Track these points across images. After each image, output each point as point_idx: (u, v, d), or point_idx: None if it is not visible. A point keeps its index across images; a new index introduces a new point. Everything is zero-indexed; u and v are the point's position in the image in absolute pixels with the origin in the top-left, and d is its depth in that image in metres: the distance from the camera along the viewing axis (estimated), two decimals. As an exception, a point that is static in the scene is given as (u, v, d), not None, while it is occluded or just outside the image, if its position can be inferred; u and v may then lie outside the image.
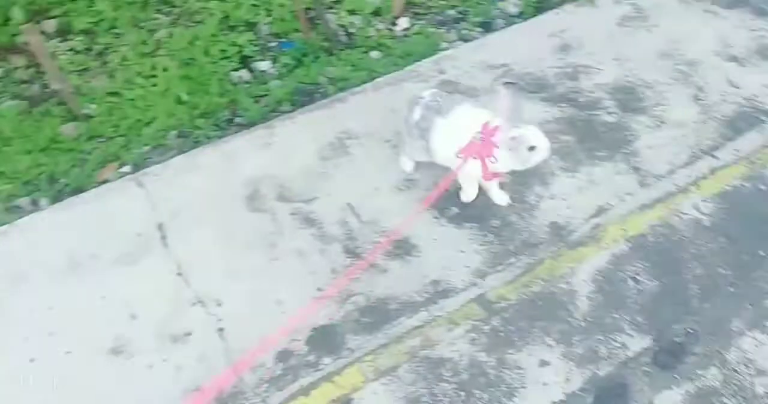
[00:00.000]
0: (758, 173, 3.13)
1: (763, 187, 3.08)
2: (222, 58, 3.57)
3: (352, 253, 2.73)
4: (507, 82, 2.48)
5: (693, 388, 2.46)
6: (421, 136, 2.66)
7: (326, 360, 2.45)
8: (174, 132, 3.23)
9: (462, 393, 2.40)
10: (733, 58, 3.61)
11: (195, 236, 2.71)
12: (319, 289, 2.61)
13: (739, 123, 3.32)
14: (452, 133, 2.59)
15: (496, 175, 2.70)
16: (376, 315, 2.57)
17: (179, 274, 2.60)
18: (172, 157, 3.03)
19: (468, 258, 2.76)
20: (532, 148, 2.45)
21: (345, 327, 2.53)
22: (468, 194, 2.88)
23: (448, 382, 2.42)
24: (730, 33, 3.74)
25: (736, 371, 2.52)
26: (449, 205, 2.92)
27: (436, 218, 2.88)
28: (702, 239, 2.88)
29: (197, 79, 3.43)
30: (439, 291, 2.65)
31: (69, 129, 3.18)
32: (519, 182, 3.02)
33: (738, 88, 3.49)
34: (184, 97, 3.35)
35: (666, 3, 3.88)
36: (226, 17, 3.74)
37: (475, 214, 2.90)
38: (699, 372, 2.50)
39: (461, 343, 2.52)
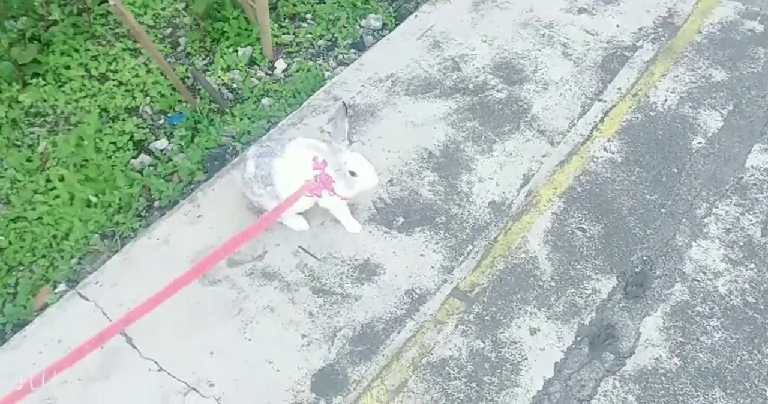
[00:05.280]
0: (643, 103, 3.43)
1: (652, 113, 3.38)
2: (116, 151, 3.48)
3: (322, 291, 2.73)
4: (343, 103, 2.53)
5: (668, 308, 2.65)
6: (265, 183, 2.64)
7: (337, 399, 2.43)
8: (96, 236, 3.10)
9: (473, 384, 2.45)
10: (583, 10, 3.96)
11: (162, 328, 2.61)
12: (303, 336, 2.59)
13: (610, 64, 3.64)
14: (294, 169, 2.60)
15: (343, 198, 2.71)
16: (368, 340, 2.58)
17: (160, 370, 2.50)
18: (104, 261, 2.91)
19: (430, 259, 2.84)
20: (353, 173, 2.51)
21: (342, 362, 2.52)
22: (298, 225, 2.94)
23: (458, 379, 2.47)
24: (571, -9, 4.11)
25: (697, 280, 2.74)
26: (394, 217, 2.99)
27: (386, 232, 2.94)
28: (621, 175, 3.12)
29: (99, 178, 3.32)
30: (416, 298, 2.71)
31: (-17, 269, 2.98)
32: (446, 175, 3.15)
33: (596, 34, 3.83)
34: (93, 199, 3.23)
35: (507, -20, 4.20)
36: (105, 110, 3.65)
37: (420, 218, 2.99)
38: (666, 291, 2.70)
39: (455, 339, 2.58)
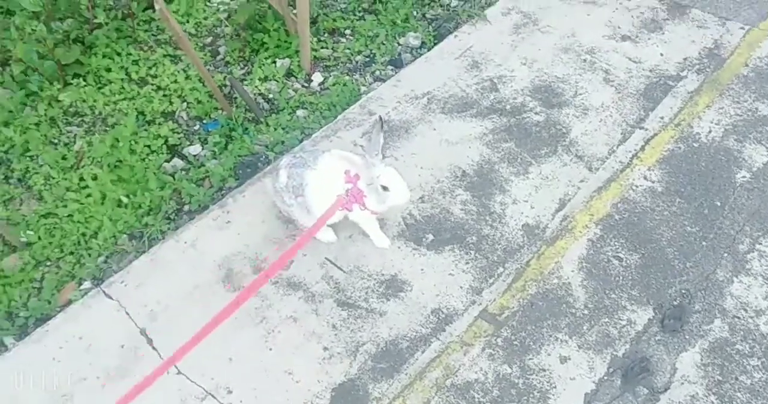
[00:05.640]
0: (686, 133, 3.35)
1: (695, 144, 3.29)
2: (150, 153, 3.50)
3: (346, 304, 2.67)
4: (379, 117, 2.50)
5: (706, 344, 2.53)
6: (296, 194, 2.62)
7: (357, 418, 2.35)
8: (125, 236, 3.10)
9: (500, 412, 2.36)
10: (626, 38, 3.91)
11: (183, 332, 2.54)
12: (325, 348, 2.52)
13: (653, 93, 3.57)
14: (325, 181, 2.56)
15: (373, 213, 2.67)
16: (391, 357, 2.50)
17: (179, 373, 2.45)
18: (131, 261, 2.90)
19: (459, 279, 2.76)
20: (385, 188, 2.45)
21: (364, 378, 2.45)
22: (326, 236, 2.89)
23: (483, 403, 2.38)
24: (613, 17, 4.06)
25: (737, 317, 2.61)
26: (424, 234, 2.93)
27: (415, 249, 2.88)
28: (661, 205, 3.03)
29: (131, 179, 3.33)
30: (443, 318, 2.63)
31: (11, 262, 2.99)
32: (479, 195, 3.09)
33: (639, 62, 3.76)
34: (124, 199, 3.24)
35: (548, 4, 4.18)
36: (141, 113, 3.69)
37: (450, 236, 2.93)
38: (705, 327, 2.58)
39: (481, 362, 2.49)
